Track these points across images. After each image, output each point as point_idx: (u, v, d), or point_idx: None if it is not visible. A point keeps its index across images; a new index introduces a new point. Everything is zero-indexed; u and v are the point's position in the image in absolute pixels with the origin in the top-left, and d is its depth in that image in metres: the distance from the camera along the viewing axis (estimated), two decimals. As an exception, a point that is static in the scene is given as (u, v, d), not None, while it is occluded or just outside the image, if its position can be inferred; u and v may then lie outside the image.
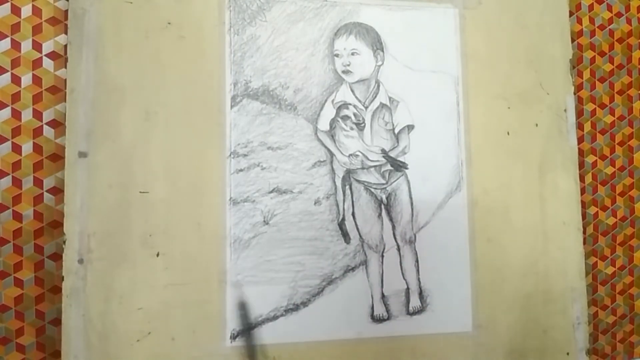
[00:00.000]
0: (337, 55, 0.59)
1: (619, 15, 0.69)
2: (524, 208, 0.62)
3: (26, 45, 0.54)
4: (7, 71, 0.53)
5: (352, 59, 0.59)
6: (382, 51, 0.60)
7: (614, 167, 0.68)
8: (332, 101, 0.58)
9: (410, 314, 0.58)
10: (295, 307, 0.56)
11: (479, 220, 0.60)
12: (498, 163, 0.61)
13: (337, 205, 0.57)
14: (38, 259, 0.53)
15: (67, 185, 0.52)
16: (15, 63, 0.54)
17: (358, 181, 0.58)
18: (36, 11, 0.54)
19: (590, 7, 0.68)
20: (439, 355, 0.58)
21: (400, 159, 0.59)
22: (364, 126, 0.59)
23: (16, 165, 0.53)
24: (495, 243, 0.60)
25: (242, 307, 0.54)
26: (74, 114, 0.53)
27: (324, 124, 0.58)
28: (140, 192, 0.53)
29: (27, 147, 0.54)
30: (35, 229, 0.53)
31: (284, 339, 0.55)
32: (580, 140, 0.66)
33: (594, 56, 0.68)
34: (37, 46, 0.54)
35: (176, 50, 0.55)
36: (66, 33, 0.54)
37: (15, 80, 0.54)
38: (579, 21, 0.68)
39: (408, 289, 0.58)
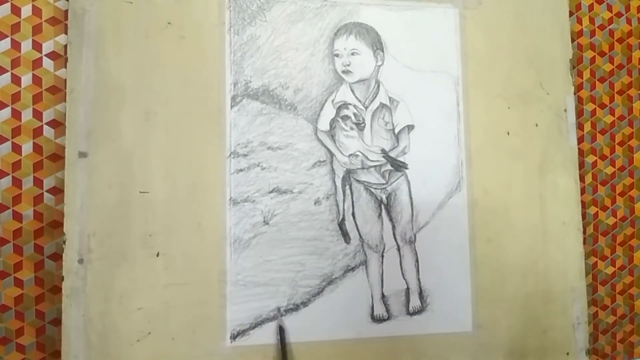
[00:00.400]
0: (337, 55, 0.59)
1: (619, 15, 0.69)
2: (524, 208, 0.62)
3: (26, 45, 0.54)
4: (7, 71, 0.53)
5: (352, 59, 0.59)
6: (382, 51, 0.60)
7: (614, 167, 0.68)
8: (332, 101, 0.58)
9: (410, 314, 0.58)
10: (295, 307, 0.56)
11: (479, 220, 0.60)
12: (498, 163, 0.61)
13: (337, 205, 0.57)
14: (38, 259, 0.53)
15: (67, 185, 0.52)
16: (15, 63, 0.54)
17: (358, 181, 0.58)
18: (36, 11, 0.54)
19: (590, 7, 0.68)
20: (439, 355, 0.58)
21: (400, 159, 0.59)
22: (364, 126, 0.59)
23: (16, 165, 0.53)
24: (496, 243, 0.60)
25: (281, 332, 0.54)
26: (74, 114, 0.53)
27: (324, 124, 0.58)
28: (140, 192, 0.53)
29: (27, 147, 0.53)
30: (35, 229, 0.53)
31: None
32: (580, 140, 0.66)
33: (594, 56, 0.68)
34: (37, 46, 0.54)
35: (176, 50, 0.55)
36: (66, 33, 0.54)
37: (15, 80, 0.54)
38: (579, 21, 0.68)
39: (408, 289, 0.58)
